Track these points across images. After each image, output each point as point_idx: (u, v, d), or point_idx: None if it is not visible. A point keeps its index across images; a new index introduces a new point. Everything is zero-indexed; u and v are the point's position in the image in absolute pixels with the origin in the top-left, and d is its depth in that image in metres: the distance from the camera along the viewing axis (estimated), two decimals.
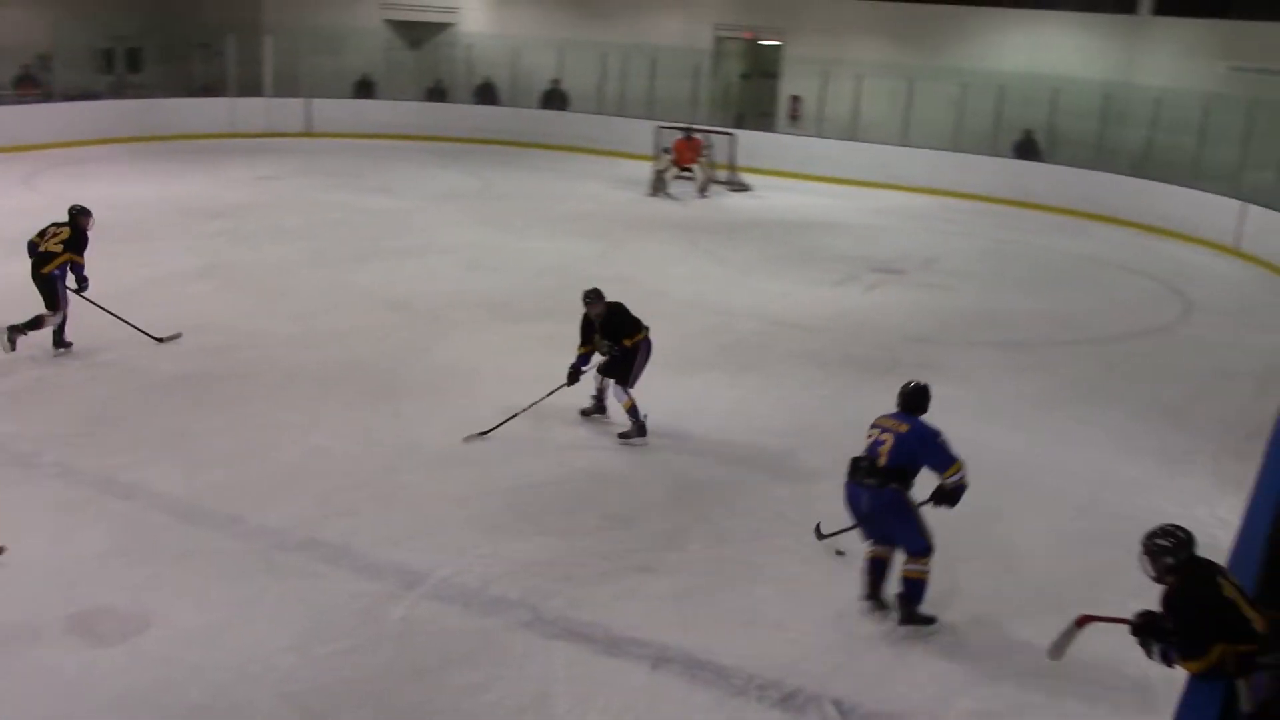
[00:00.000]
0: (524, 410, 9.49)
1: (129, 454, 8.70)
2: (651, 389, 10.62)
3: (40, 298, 10.62)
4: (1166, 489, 8.96)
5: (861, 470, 6.90)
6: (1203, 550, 5.44)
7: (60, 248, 10.64)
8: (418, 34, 28.75)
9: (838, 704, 6.03)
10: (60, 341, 10.91)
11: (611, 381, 9.52)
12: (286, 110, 25.49)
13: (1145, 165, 20.95)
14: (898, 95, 23.50)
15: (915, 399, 7.17)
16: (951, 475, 6.85)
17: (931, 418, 9.83)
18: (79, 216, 10.87)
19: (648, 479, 8.69)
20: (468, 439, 9.24)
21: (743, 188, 21.97)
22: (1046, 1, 24.21)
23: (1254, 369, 12.22)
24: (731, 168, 22.09)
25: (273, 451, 8.90)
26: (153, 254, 14.44)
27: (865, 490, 6.86)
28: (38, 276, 10.62)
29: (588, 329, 9.57)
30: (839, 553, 7.57)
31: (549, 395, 9.56)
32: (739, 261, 16.21)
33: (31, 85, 23.46)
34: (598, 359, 9.59)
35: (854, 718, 5.97)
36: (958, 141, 23.14)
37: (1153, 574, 5.16)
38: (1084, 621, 5.47)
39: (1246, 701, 4.75)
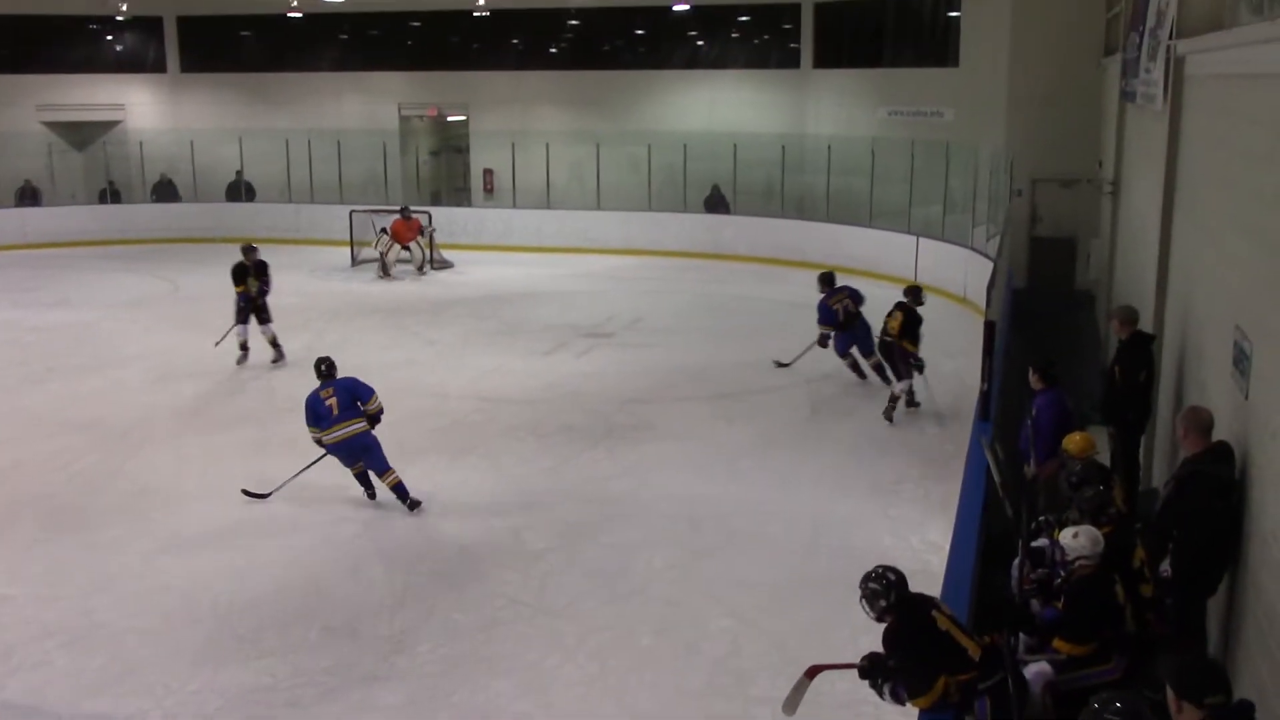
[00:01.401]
0: None
1: None
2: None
3: None
4: (881, 521, 9.27)
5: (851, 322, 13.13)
6: (920, 577, 5.59)
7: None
8: (83, 134, 27.16)
9: None
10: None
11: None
12: None
13: (827, 209, 22.07)
14: (586, 161, 23.95)
15: (830, 277, 13.83)
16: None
17: (650, 476, 9.96)
18: (242, 253, 14.92)
19: (369, 582, 8.28)
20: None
21: (445, 264, 21.77)
22: (718, 62, 25.36)
23: (945, 392, 12.91)
24: (431, 245, 21.86)
25: None
26: None
27: (850, 333, 13.21)
28: None
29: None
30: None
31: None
32: (448, 340, 15.96)
33: None
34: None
35: None
36: (649, 201, 23.75)
37: (872, 615, 5.25)
38: (814, 672, 5.50)
39: None
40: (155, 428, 11.96)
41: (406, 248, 21.08)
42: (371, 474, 9.73)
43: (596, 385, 13.46)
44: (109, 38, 27.94)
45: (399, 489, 9.58)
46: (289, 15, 25.58)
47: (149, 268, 21.88)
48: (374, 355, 15.00)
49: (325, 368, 9.93)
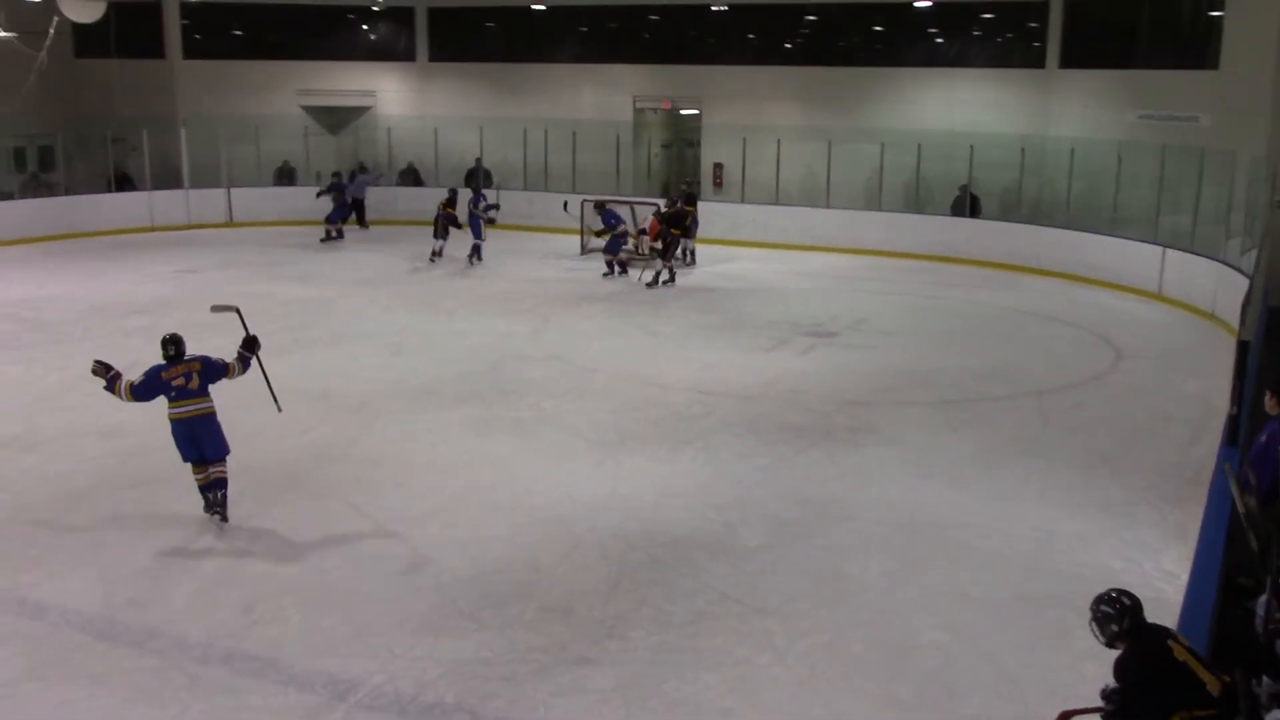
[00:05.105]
0: None
1: (40, 569, 8.31)
2: (584, 467, 10.46)
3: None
4: (1111, 543, 8.86)
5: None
6: (1152, 605, 5.30)
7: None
8: (336, 118, 28.64)
9: None
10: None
11: None
12: (206, 201, 25.21)
13: (1066, 215, 21.25)
14: (817, 158, 23.74)
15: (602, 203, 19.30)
16: None
17: (869, 480, 9.80)
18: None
19: (583, 565, 8.42)
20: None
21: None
22: (959, 60, 24.70)
23: (1187, 414, 12.24)
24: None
25: (191, 559, 8.54)
26: (67, 356, 14.00)
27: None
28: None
29: None
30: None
31: None
32: (670, 333, 16.09)
33: None
34: None
35: None
36: (879, 201, 23.38)
37: (1103, 640, 5.01)
38: (1065, 718, 5.24)
39: None
40: (386, 401, 12.48)
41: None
42: None
43: (817, 385, 13.33)
44: (364, 27, 29.33)
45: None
46: (532, 8, 26.29)
47: (390, 248, 22.87)
48: (596, 343, 15.30)
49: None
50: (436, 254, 21.40)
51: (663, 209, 20.98)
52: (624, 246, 20.41)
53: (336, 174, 24.40)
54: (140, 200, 24.71)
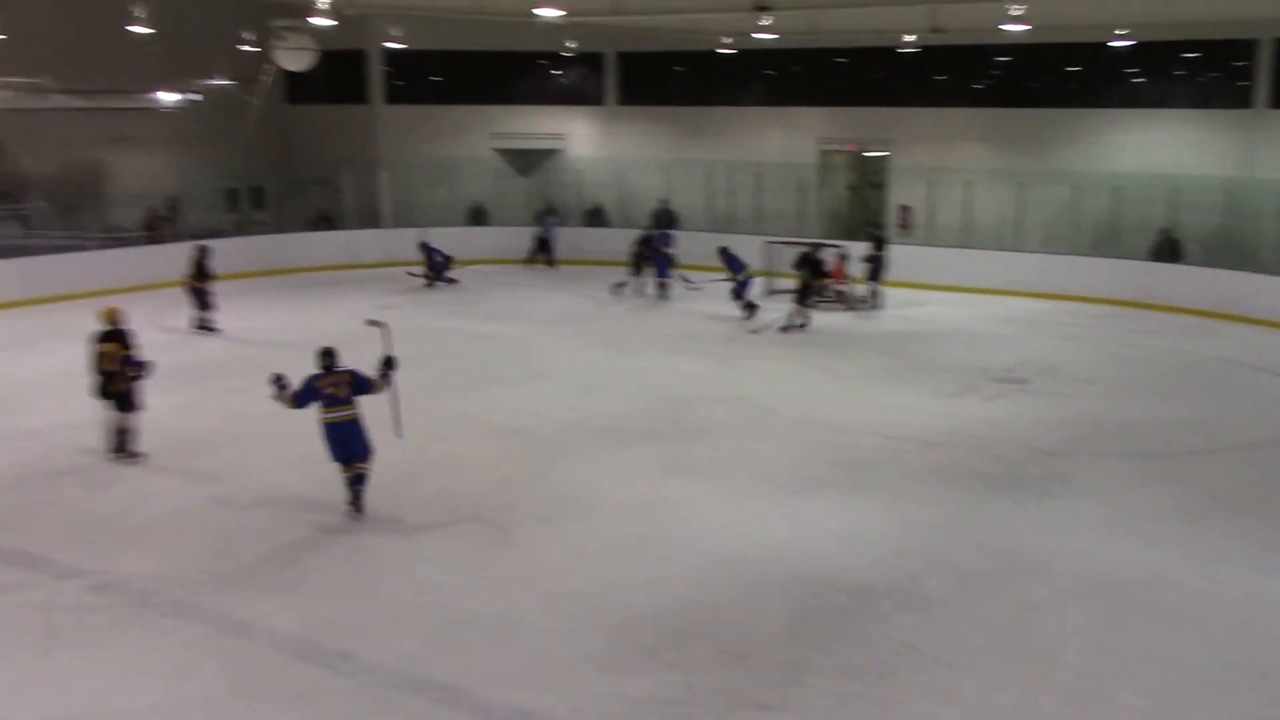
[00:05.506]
0: None
1: (245, 590, 8.72)
2: (765, 510, 10.42)
3: None
4: None
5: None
6: None
7: None
8: (527, 161, 29.42)
9: None
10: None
11: None
12: (404, 240, 26.12)
13: (1277, 260, 20.22)
14: (1008, 200, 23.22)
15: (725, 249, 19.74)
16: None
17: (1061, 533, 9.47)
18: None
19: (764, 608, 8.37)
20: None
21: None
22: (1158, 101, 23.82)
23: None
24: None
25: (384, 586, 8.82)
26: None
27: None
28: None
29: None
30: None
31: None
32: (853, 375, 15.91)
33: (159, 226, 24.44)
34: None
35: None
36: (1074, 244, 22.69)
37: None
38: None
39: None
40: (574, 438, 12.68)
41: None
42: None
43: (1006, 432, 12.97)
44: (555, 72, 30.11)
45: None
46: (719, 52, 26.52)
47: (578, 288, 23.31)
48: (778, 385, 15.25)
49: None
50: (625, 286, 22.24)
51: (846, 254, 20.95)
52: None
53: (423, 244, 24.23)
54: (342, 239, 25.88)
